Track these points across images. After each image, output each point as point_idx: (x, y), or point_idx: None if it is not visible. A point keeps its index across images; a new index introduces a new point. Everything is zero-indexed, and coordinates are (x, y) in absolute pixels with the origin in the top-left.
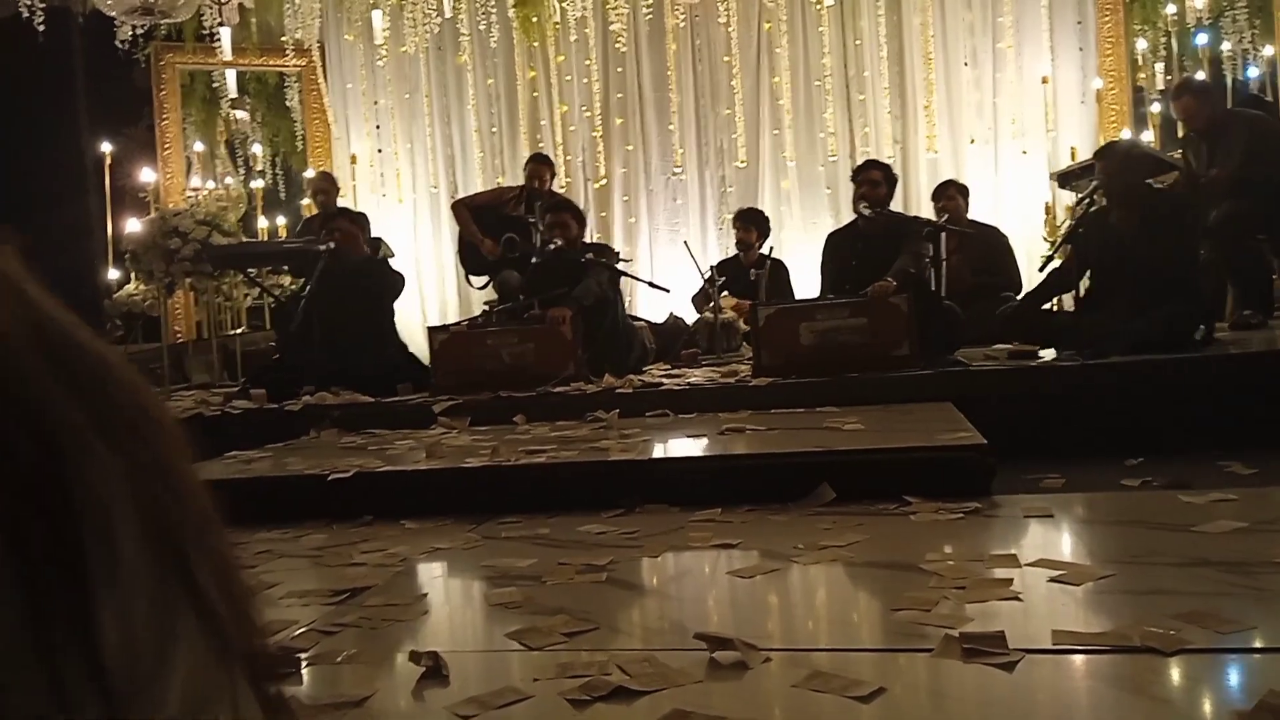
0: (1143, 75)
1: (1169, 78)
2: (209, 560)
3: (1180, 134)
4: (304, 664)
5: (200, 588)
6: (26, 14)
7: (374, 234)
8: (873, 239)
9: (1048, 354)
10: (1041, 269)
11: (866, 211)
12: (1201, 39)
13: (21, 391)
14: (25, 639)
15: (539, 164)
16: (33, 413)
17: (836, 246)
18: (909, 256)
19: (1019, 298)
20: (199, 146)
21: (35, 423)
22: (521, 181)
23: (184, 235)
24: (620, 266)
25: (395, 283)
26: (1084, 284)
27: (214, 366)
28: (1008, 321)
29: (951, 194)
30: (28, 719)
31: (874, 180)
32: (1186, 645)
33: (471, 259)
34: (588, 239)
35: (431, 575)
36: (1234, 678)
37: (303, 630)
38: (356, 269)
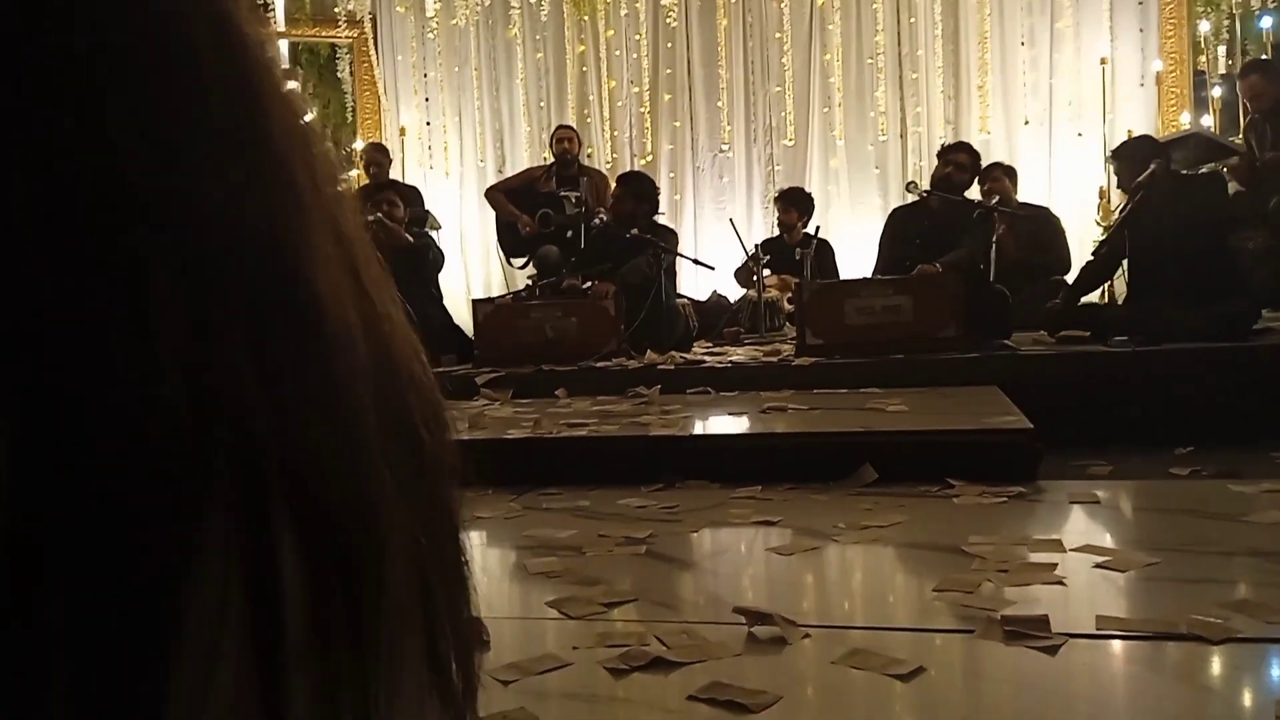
0: (1204, 58)
1: (1230, 61)
2: (454, 631)
3: (1242, 117)
4: None
5: (448, 675)
6: None
7: (424, 206)
8: (938, 218)
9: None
10: (1094, 254)
11: (912, 193)
12: (1266, 22)
13: (346, 425)
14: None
15: (565, 129)
16: (353, 457)
17: (902, 222)
18: (967, 250)
19: (1059, 298)
20: None
21: (353, 474)
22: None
23: None
24: (666, 245)
25: (437, 257)
26: (1123, 271)
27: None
28: (1052, 322)
29: (997, 175)
30: None
31: (960, 163)
32: (1234, 634)
33: (509, 240)
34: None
35: (472, 543)
36: None
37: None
38: (402, 246)
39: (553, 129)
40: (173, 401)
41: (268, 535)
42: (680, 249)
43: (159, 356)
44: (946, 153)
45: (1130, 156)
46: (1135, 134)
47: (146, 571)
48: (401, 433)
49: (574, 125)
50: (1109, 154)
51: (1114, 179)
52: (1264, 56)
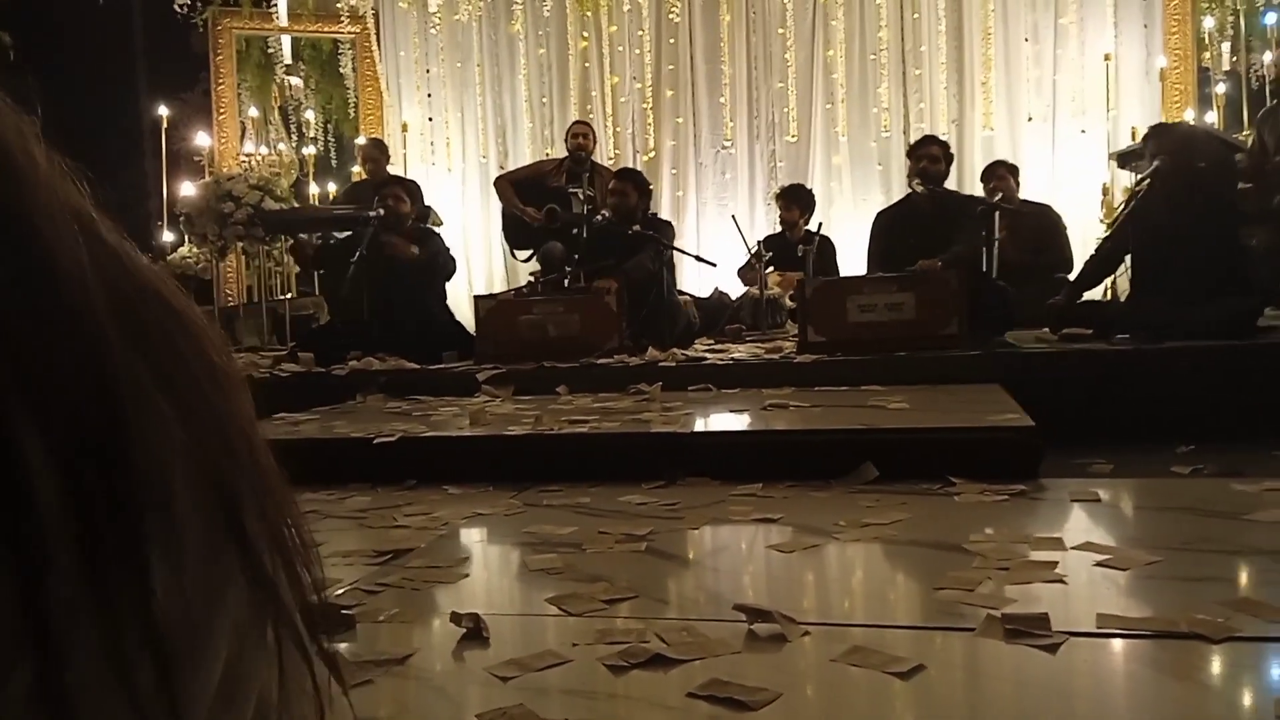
0: (1208, 54)
1: (1234, 58)
2: (264, 519)
3: (1246, 113)
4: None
5: (252, 549)
6: None
7: (425, 203)
8: (925, 217)
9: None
10: (1098, 249)
11: (920, 189)
12: (1270, 18)
13: (83, 335)
14: (87, 603)
15: (582, 125)
16: (94, 361)
17: (887, 225)
18: (964, 244)
19: (1060, 295)
20: (253, 112)
21: (96, 372)
22: (567, 150)
23: (237, 200)
24: (667, 241)
25: (446, 264)
26: (1125, 267)
27: (263, 330)
28: (1054, 318)
29: (1002, 174)
30: (84, 682)
31: (933, 156)
32: (1235, 633)
33: (515, 232)
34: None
35: (473, 539)
36: None
37: (346, 589)
38: (407, 238)
39: (568, 124)
40: None
41: (10, 431)
42: (680, 244)
43: None
44: (916, 149)
45: (1166, 137)
46: (1139, 132)
47: None
48: (154, 345)
49: (589, 122)
50: (1147, 132)
51: (1117, 176)
52: (1268, 54)
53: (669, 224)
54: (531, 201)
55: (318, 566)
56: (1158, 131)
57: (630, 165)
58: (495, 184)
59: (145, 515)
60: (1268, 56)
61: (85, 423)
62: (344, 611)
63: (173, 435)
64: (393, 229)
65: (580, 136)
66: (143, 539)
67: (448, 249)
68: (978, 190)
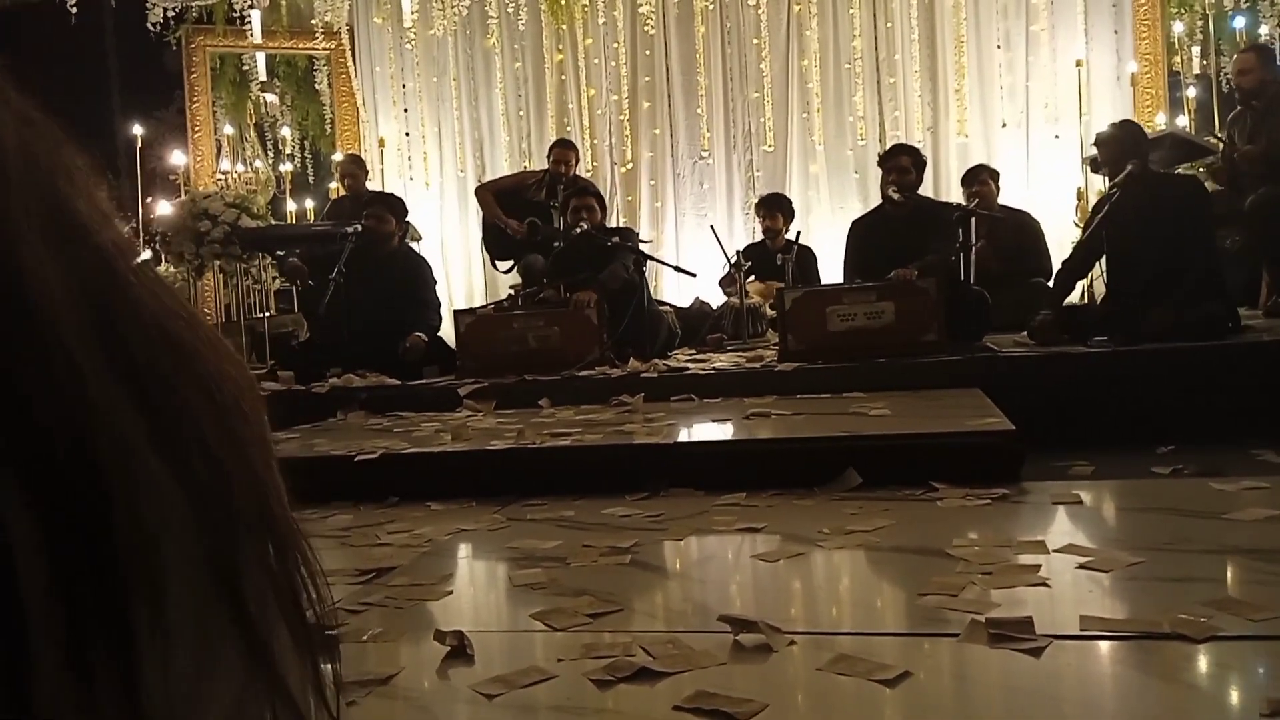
0: (1178, 59)
1: (1205, 62)
2: (270, 575)
3: (1217, 117)
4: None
5: (252, 627)
6: None
7: (406, 216)
8: (900, 225)
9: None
10: (1071, 257)
11: (896, 197)
12: (1239, 22)
13: (55, 384)
14: (68, 696)
15: (565, 149)
16: (70, 416)
17: (862, 233)
18: (939, 251)
19: (1046, 311)
20: (229, 129)
21: (74, 431)
22: (547, 166)
23: (213, 218)
24: (646, 250)
25: (426, 277)
26: (1101, 270)
27: (243, 349)
28: (1042, 334)
29: (984, 179)
30: None
31: (903, 167)
32: (1217, 633)
33: (496, 243)
34: (610, 224)
35: (456, 556)
36: (1265, 665)
37: (329, 609)
38: (389, 257)
39: (547, 140)
40: None
41: None
42: (660, 254)
43: None
44: (887, 159)
45: (1114, 142)
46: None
47: None
48: (147, 383)
49: (574, 142)
50: (1093, 139)
51: (1092, 180)
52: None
53: (632, 230)
54: (511, 213)
55: (331, 625)
56: (1101, 139)
57: (608, 178)
58: (476, 193)
59: (132, 601)
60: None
61: (65, 491)
62: (327, 632)
63: (166, 502)
64: (376, 247)
65: (562, 164)
66: (129, 630)
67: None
68: (955, 196)
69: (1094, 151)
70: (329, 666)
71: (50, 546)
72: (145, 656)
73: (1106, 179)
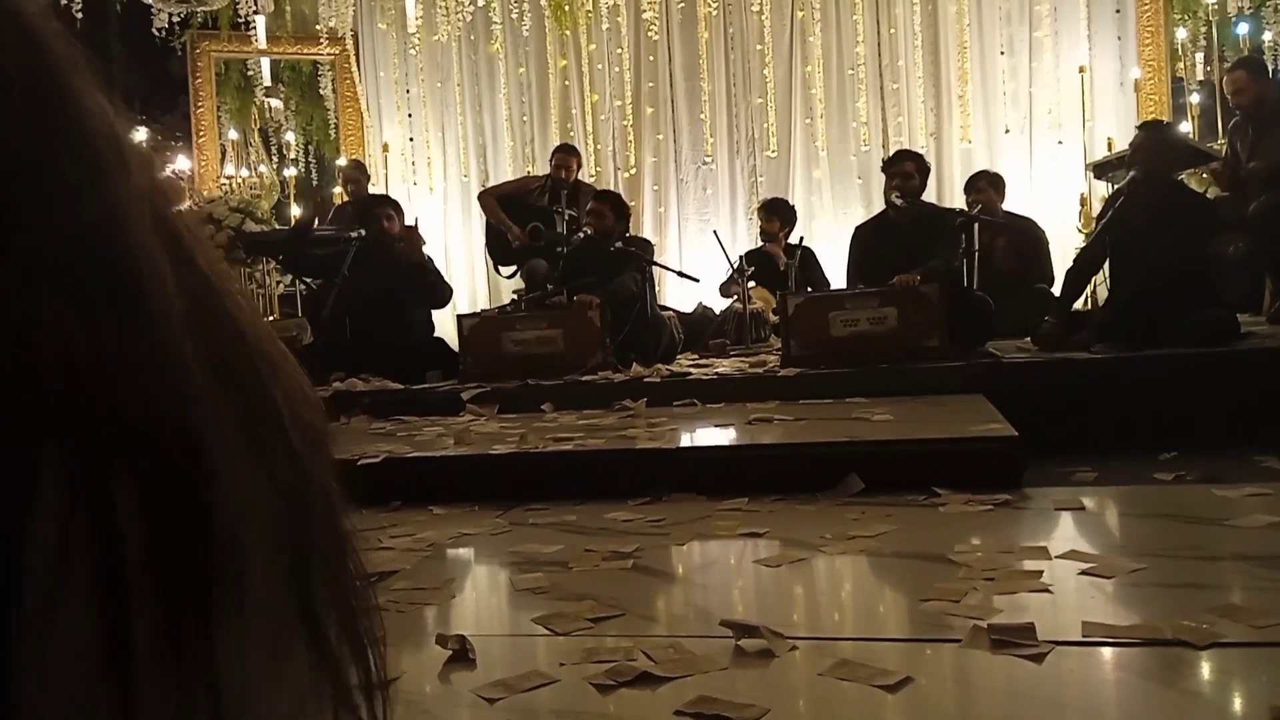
0: (1181, 65)
1: (1208, 68)
2: (331, 587)
3: (1220, 123)
4: None
5: (318, 622)
6: (64, 1)
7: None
8: (903, 231)
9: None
10: (1075, 260)
11: (899, 202)
12: (1242, 29)
13: (171, 378)
14: (157, 665)
15: (567, 154)
16: (180, 407)
17: (865, 239)
18: (941, 258)
19: (1052, 320)
20: (233, 134)
21: (182, 418)
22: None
23: (218, 222)
24: (650, 256)
25: (444, 294)
26: (1104, 276)
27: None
28: (1048, 342)
29: (982, 186)
30: None
31: (907, 173)
32: (1219, 639)
33: (499, 248)
34: (631, 231)
35: (459, 560)
36: (1268, 672)
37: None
38: (394, 259)
39: (550, 144)
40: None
41: (104, 482)
42: (663, 260)
43: None
44: (890, 165)
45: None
46: (1115, 143)
47: None
48: (244, 389)
49: (576, 147)
50: (1137, 128)
51: (1095, 186)
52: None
53: (649, 243)
54: (514, 218)
55: (381, 642)
56: (1146, 127)
57: (611, 183)
58: (480, 198)
59: (219, 582)
60: None
61: (172, 473)
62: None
63: (256, 493)
64: (383, 248)
65: (563, 169)
66: (213, 609)
67: (445, 282)
68: (958, 202)
69: (1099, 158)
70: (378, 672)
71: (151, 523)
72: (225, 638)
73: (1123, 185)
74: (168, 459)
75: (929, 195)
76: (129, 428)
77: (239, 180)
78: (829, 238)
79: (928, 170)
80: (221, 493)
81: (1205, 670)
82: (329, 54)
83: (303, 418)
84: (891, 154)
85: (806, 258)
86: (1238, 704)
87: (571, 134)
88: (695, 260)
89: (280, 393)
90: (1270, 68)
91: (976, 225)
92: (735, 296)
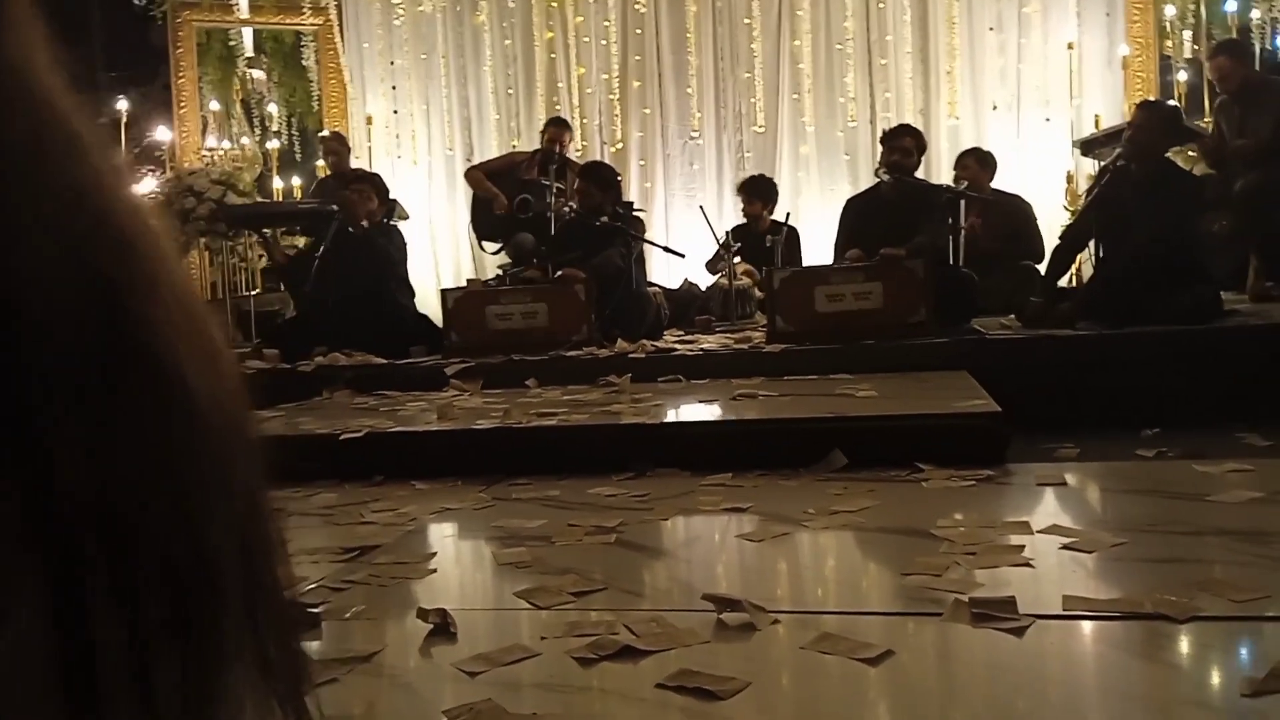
0: (1169, 43)
1: (1196, 46)
2: (271, 600)
3: (1207, 101)
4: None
5: (261, 637)
6: None
7: (390, 196)
8: (892, 205)
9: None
10: (1061, 237)
11: (885, 177)
12: (1230, 6)
13: (162, 436)
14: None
15: (558, 127)
16: (167, 458)
17: (856, 212)
18: (928, 235)
19: (1038, 297)
20: (215, 106)
21: (168, 475)
22: (537, 144)
23: (199, 195)
24: (636, 231)
25: (392, 255)
26: (1090, 253)
27: (228, 327)
28: (1035, 319)
29: (968, 163)
30: None
31: (905, 149)
32: (1199, 613)
33: (483, 223)
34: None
35: (441, 535)
36: (1247, 645)
37: (313, 586)
38: (365, 236)
39: (539, 119)
40: None
41: (82, 593)
42: (649, 235)
43: None
44: (890, 138)
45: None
46: (1103, 119)
47: None
48: (228, 469)
49: (567, 120)
50: (1136, 106)
51: (1081, 163)
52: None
53: (640, 220)
54: (503, 193)
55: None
56: (1147, 106)
57: (598, 157)
58: (466, 175)
59: (196, 624)
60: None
61: (156, 528)
62: (310, 609)
63: (228, 533)
64: (353, 224)
65: (555, 142)
66: (203, 647)
67: (400, 234)
68: (945, 178)
69: (1086, 135)
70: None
71: (141, 642)
72: (161, 652)
73: (1110, 162)
74: (170, 570)
75: (918, 171)
76: (123, 538)
77: (221, 152)
78: (816, 213)
79: (924, 147)
80: (225, 608)
81: (1185, 644)
82: (312, 24)
83: (246, 434)
84: (893, 127)
85: (791, 236)
86: (1216, 677)
87: (557, 107)
88: (681, 236)
89: (240, 418)
90: (1258, 46)
91: (963, 202)
92: (722, 272)
